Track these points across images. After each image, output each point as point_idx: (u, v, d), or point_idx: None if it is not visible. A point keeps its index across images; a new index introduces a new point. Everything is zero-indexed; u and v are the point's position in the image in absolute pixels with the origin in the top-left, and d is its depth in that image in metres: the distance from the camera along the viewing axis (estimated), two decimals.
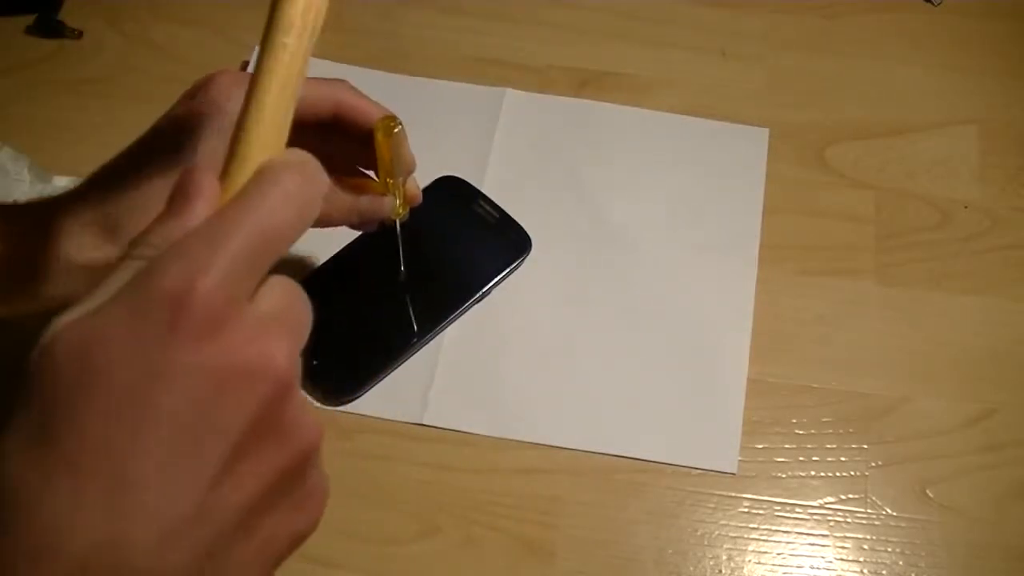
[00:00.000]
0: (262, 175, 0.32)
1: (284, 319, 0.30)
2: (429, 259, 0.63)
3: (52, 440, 0.26)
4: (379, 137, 0.49)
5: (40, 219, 0.46)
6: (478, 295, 0.62)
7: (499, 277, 0.63)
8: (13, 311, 0.47)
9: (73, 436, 0.26)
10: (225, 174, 0.33)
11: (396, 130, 0.49)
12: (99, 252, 0.46)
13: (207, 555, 0.27)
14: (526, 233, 0.64)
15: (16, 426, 0.27)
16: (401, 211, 0.55)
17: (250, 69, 0.69)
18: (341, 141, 0.51)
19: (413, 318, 0.61)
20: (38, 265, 0.46)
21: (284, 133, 0.34)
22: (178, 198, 0.31)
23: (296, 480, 0.30)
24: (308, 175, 0.32)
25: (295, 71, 0.35)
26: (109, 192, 0.46)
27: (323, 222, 0.52)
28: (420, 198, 0.56)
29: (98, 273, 0.45)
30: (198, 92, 0.48)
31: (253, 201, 0.31)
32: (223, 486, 0.27)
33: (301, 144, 0.46)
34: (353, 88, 0.51)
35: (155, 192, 0.46)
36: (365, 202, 0.52)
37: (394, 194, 0.53)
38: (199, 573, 0.27)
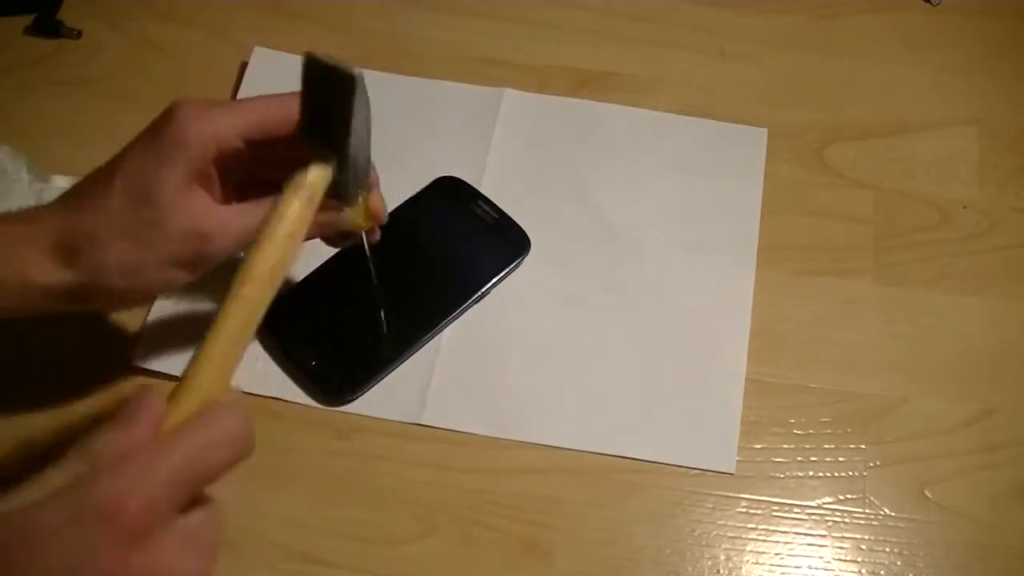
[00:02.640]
0: (205, 414, 0.37)
1: (202, 540, 0.35)
2: (427, 259, 0.63)
3: None
4: None
5: (3, 237, 0.47)
6: (477, 295, 0.62)
7: (498, 277, 0.63)
8: None
9: None
10: (173, 400, 0.38)
11: None
12: (56, 276, 0.47)
13: None
14: (525, 233, 0.64)
15: None
16: (363, 224, 0.54)
17: (248, 73, 0.69)
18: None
19: (411, 319, 0.61)
20: None
21: (232, 370, 0.39)
22: (126, 413, 0.36)
23: None
24: (244, 419, 0.37)
25: (254, 317, 0.40)
26: (70, 220, 0.48)
27: None
28: (384, 215, 0.55)
29: (53, 294, 0.47)
30: (160, 126, 0.48)
31: (192, 435, 0.36)
32: None
33: (271, 158, 0.50)
34: None
35: (113, 226, 0.47)
36: (321, 217, 0.50)
37: (351, 208, 0.52)
38: None
